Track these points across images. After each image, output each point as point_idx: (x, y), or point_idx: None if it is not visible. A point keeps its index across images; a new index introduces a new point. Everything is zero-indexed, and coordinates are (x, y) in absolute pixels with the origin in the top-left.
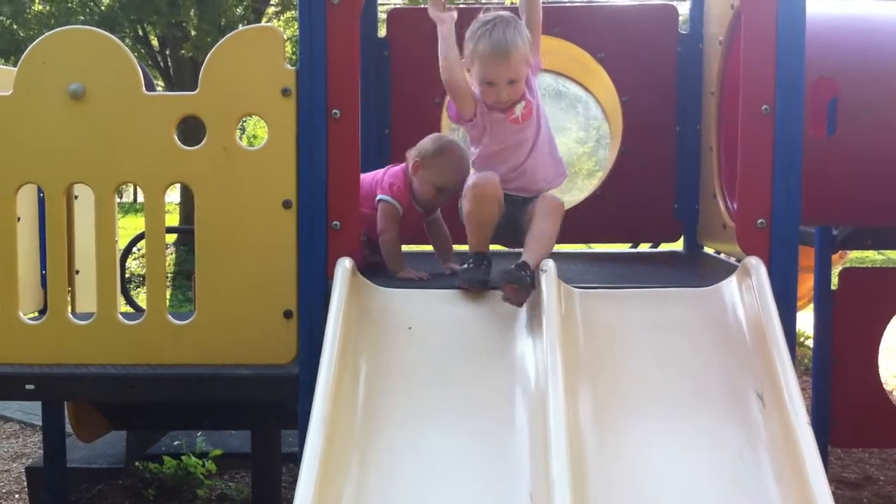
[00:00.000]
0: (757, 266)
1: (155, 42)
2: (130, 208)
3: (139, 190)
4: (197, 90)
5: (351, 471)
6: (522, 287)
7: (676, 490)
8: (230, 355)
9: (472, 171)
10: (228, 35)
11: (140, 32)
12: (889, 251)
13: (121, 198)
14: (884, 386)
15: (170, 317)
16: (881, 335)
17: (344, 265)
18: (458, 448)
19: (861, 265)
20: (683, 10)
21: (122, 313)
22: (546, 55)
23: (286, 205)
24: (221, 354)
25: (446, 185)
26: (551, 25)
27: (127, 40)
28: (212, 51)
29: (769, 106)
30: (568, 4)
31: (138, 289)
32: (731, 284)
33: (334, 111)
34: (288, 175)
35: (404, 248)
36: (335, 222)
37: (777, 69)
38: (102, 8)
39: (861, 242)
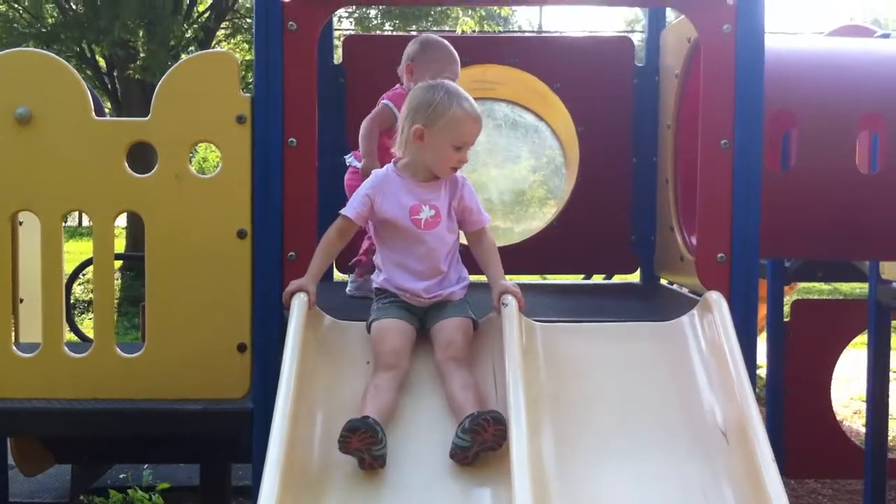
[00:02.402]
0: (718, 301)
1: (102, 63)
2: (76, 232)
3: (84, 214)
4: (149, 116)
5: None
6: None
7: None
8: (181, 389)
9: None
10: (182, 60)
11: (88, 53)
12: (838, 283)
13: (65, 222)
14: (836, 416)
15: (118, 350)
16: (834, 366)
17: (300, 297)
18: (418, 486)
19: (808, 296)
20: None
21: (67, 343)
22: (504, 85)
23: (241, 234)
24: (172, 388)
25: (444, 71)
26: (509, 56)
27: (73, 60)
28: (165, 76)
29: (728, 140)
30: (526, 35)
31: (83, 314)
32: (692, 319)
33: (291, 139)
34: (242, 204)
35: None
36: (291, 253)
37: (736, 103)
38: (47, 28)
39: (812, 274)
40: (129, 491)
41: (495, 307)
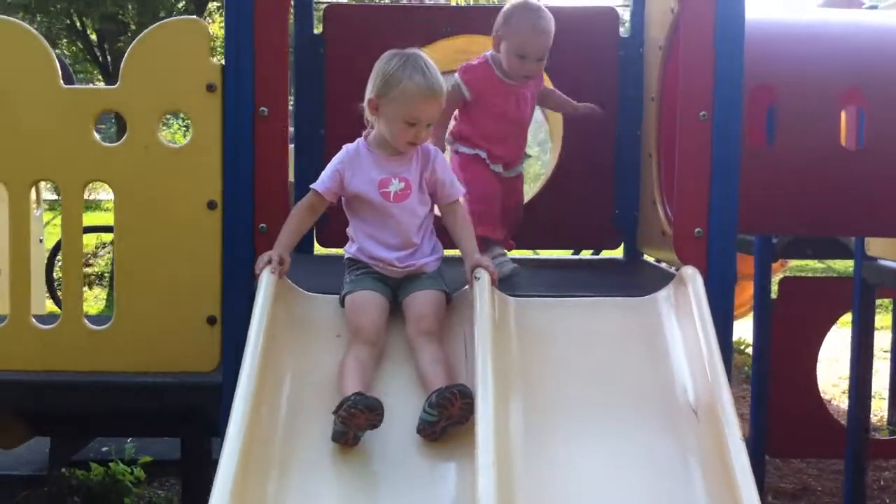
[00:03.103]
0: (693, 276)
1: (93, 36)
2: None
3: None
4: (118, 84)
5: (269, 485)
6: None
7: None
8: (150, 362)
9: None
10: (151, 27)
11: (79, 26)
12: (829, 260)
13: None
14: (822, 395)
15: (86, 321)
16: (820, 344)
17: (269, 270)
18: (380, 462)
19: (801, 274)
20: (625, 13)
21: (47, 315)
22: None
23: (211, 206)
24: (141, 361)
25: (526, 49)
26: (492, 28)
27: (63, 33)
28: (133, 43)
29: (707, 112)
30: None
31: None
32: (667, 294)
33: (262, 109)
34: (213, 175)
35: None
36: (262, 225)
37: (715, 75)
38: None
39: (801, 251)
40: (111, 464)
41: (468, 281)
